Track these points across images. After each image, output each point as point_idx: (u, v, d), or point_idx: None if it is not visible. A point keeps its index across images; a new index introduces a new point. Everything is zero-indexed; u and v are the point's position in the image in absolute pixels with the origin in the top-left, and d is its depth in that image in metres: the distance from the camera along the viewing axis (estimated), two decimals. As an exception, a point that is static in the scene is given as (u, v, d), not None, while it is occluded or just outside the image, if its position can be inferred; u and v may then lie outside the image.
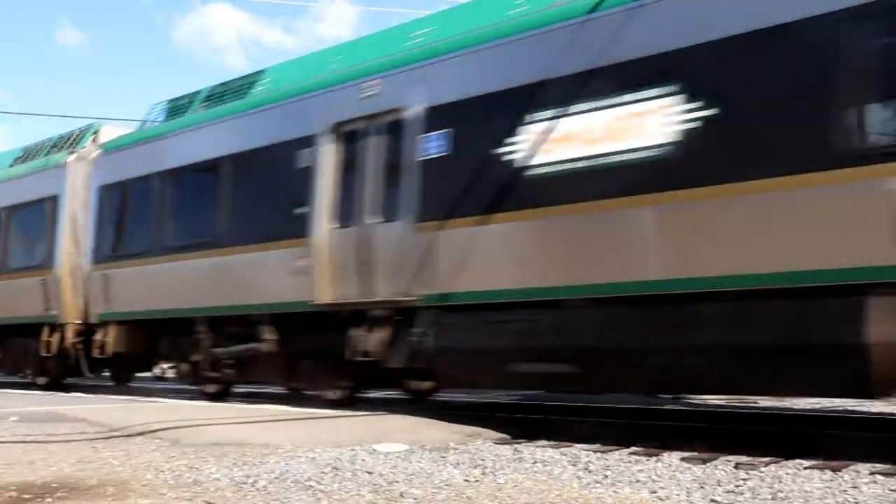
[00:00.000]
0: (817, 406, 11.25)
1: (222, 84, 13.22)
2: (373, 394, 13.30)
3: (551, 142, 8.56)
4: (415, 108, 9.83)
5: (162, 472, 6.09)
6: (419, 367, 9.86)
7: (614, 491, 5.59)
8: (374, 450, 7.32)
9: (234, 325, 11.99)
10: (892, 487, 5.63)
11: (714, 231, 7.51)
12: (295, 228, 10.85)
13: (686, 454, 7.09)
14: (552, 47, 8.73)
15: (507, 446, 7.76)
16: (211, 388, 12.81)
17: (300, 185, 10.88)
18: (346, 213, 10.48)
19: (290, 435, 7.86)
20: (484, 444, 7.94)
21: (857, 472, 6.14)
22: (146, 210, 13.48)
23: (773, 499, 5.35)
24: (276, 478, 5.85)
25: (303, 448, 7.27)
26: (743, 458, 6.69)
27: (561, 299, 8.42)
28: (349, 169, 10.59)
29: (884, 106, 7.04)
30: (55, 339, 15.23)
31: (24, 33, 70.34)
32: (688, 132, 7.66)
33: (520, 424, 9.15)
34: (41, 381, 16.06)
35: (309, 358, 11.19)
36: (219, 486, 5.61)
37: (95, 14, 70.14)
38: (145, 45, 71.13)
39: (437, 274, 9.37)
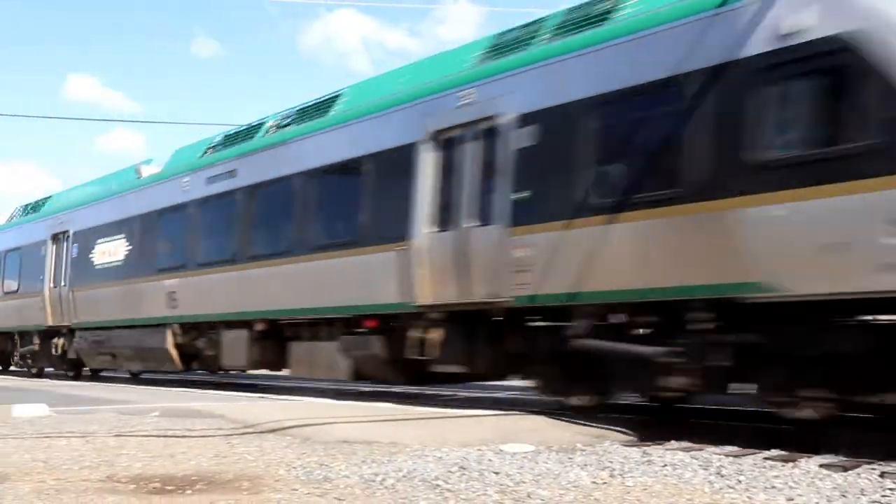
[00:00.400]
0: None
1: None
2: (498, 393, 13.30)
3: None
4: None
5: (293, 468, 6.25)
6: None
7: (748, 497, 5.39)
8: (501, 450, 7.31)
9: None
10: None
11: None
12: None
13: (826, 460, 6.79)
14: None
15: (635, 448, 7.61)
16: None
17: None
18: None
19: (416, 434, 7.94)
20: (612, 445, 7.81)
21: None
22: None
23: (922, 510, 5.07)
24: (404, 476, 5.91)
25: (430, 447, 7.32)
26: (890, 468, 6.34)
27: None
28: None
29: None
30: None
31: (162, 45, 73.94)
32: None
33: (648, 427, 8.96)
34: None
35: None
36: (348, 483, 5.71)
37: (227, 24, 73.12)
38: (274, 53, 73.62)
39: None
